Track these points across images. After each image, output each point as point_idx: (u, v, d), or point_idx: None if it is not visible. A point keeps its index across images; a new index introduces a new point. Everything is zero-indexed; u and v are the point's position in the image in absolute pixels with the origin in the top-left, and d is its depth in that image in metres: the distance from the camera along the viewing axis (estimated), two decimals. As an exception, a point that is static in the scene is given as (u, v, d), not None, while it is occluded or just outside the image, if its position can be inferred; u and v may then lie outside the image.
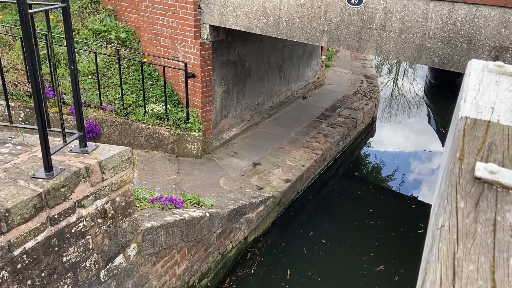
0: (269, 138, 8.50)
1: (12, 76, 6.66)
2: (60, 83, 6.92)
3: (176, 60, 7.20)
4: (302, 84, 11.17)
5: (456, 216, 0.67)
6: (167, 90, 7.55)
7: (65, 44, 7.12)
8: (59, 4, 2.87)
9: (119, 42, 8.07)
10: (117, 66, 7.59)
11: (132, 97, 7.16)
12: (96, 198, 3.16)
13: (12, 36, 7.12)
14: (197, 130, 7.14)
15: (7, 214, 2.55)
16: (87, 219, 3.12)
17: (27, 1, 2.65)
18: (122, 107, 6.88)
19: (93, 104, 6.80)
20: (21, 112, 6.49)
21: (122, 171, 3.36)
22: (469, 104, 1.17)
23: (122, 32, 8.06)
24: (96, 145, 3.38)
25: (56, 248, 2.91)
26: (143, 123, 6.89)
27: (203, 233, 4.87)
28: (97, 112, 6.76)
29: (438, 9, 4.42)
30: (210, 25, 6.76)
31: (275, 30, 5.85)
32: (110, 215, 3.33)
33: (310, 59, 11.21)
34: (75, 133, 3.24)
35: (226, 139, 8.08)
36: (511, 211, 0.72)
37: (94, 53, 6.84)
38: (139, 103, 7.09)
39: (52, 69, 3.11)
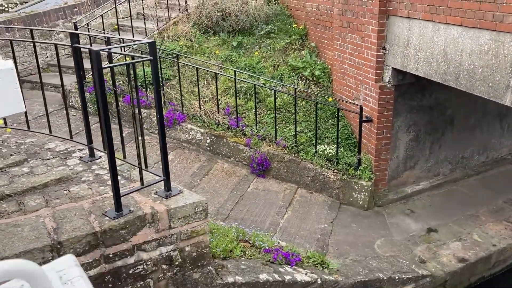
0: (464, 200, 7.10)
1: (208, 106, 7.49)
2: (244, 116, 7.41)
3: (354, 103, 6.78)
4: (539, 138, 8.95)
5: None
6: (346, 132, 7.19)
7: (233, 77, 7.51)
8: (147, 57, 3.04)
9: (314, 79, 8.13)
10: (303, 103, 7.66)
11: (307, 135, 7.08)
12: (160, 244, 3.20)
13: (214, 71, 8.00)
14: (366, 179, 6.54)
15: (59, 246, 2.82)
16: (148, 263, 3.19)
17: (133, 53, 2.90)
18: (294, 144, 6.88)
19: (268, 138, 7.02)
20: (207, 138, 7.22)
21: (194, 221, 3.32)
22: None
23: (317, 70, 8.09)
24: (180, 190, 3.44)
25: (110, 285, 3.06)
26: (311, 163, 6.72)
27: (316, 300, 4.38)
28: (271, 146, 6.94)
29: None
30: (392, 68, 6.12)
31: (454, 79, 4.85)
32: (177, 263, 3.33)
33: (555, 108, 8.90)
34: (160, 177, 3.38)
35: (407, 194, 7.13)
36: None
37: (273, 91, 7.07)
38: (312, 142, 6.96)
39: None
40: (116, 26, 9.64)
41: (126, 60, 3.49)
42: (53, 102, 8.29)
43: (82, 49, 3.72)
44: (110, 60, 3.46)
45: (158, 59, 7.71)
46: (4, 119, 4.80)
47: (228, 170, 6.88)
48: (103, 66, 2.78)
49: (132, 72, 3.09)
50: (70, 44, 3.72)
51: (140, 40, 3.06)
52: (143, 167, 3.49)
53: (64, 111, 8.33)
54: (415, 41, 5.50)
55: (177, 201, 3.29)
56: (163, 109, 7.51)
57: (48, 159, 4.15)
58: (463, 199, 7.16)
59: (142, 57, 3.18)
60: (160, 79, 7.72)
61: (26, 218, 3.08)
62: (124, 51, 7.48)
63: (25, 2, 14.35)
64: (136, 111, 3.26)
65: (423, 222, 6.47)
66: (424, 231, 6.27)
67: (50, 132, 4.47)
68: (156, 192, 3.42)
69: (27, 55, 9.55)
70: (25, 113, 4.57)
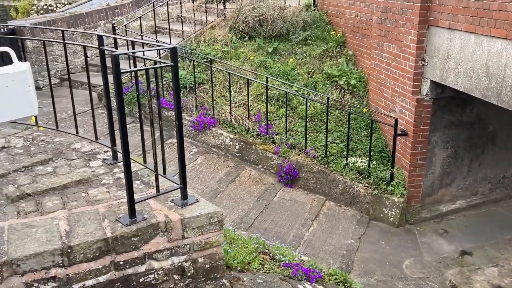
0: (504, 223, 6.69)
1: (239, 112, 7.41)
2: (275, 123, 7.28)
3: (390, 115, 6.53)
4: None
5: None
6: (380, 144, 6.95)
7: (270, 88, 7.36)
8: (168, 63, 2.97)
9: (349, 88, 7.91)
10: (336, 112, 7.46)
11: (339, 146, 6.88)
12: (172, 254, 3.13)
13: (246, 77, 7.92)
14: (398, 195, 6.27)
15: (69, 251, 2.80)
16: (160, 272, 3.12)
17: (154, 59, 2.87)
18: (324, 155, 6.70)
19: (298, 147, 6.87)
20: (236, 144, 7.14)
21: (209, 232, 3.23)
22: None
23: (353, 79, 7.87)
24: (196, 199, 3.36)
25: (120, 293, 3.01)
26: (341, 175, 6.52)
27: (336, 320, 4.21)
28: (300, 155, 6.79)
29: None
30: (431, 80, 5.85)
31: (496, 96, 4.56)
32: (189, 274, 3.24)
33: None
34: (177, 184, 3.31)
35: (442, 212, 6.80)
36: None
37: (305, 99, 6.91)
38: (344, 153, 6.75)
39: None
40: (156, 28, 9.77)
41: (149, 64, 3.47)
42: (89, 101, 8.44)
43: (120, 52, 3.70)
44: (135, 64, 3.44)
45: (192, 63, 7.74)
46: (36, 117, 4.89)
47: (255, 177, 6.77)
48: (122, 70, 2.73)
49: (151, 76, 3.04)
50: (97, 46, 3.73)
51: (162, 45, 3.01)
52: (162, 173, 3.44)
53: (99, 111, 8.52)
54: (455, 53, 5.22)
55: (192, 210, 3.21)
56: (195, 113, 7.52)
57: (72, 159, 4.17)
58: (502, 221, 6.75)
59: (164, 62, 3.12)
60: (194, 83, 7.72)
61: (41, 219, 3.08)
62: (159, 54, 7.53)
63: (73, 2, 14.85)
64: (154, 116, 3.21)
65: (457, 243, 6.14)
66: (458, 254, 5.94)
67: (77, 132, 4.51)
68: (173, 199, 3.35)
69: (69, 54, 9.81)
70: (54, 112, 4.65)
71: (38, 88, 9.43)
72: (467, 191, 7.16)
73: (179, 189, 3.31)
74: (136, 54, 3.34)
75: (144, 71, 3.07)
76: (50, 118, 6.85)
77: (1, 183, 3.65)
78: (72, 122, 7.49)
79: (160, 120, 3.30)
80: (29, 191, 3.43)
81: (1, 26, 9.47)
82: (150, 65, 3.34)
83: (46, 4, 15.64)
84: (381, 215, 6.35)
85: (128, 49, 7.79)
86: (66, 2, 15.55)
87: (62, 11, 12.53)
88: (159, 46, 3.07)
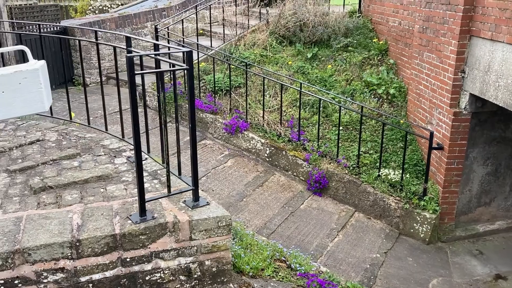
0: (547, 248, 6.27)
1: (272, 116, 7.39)
2: (307, 130, 7.20)
3: (427, 128, 6.29)
4: None
5: None
6: (415, 157, 6.71)
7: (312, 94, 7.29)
8: (184, 66, 3.01)
9: (388, 97, 7.70)
10: (372, 122, 7.29)
11: (372, 157, 6.70)
12: (179, 254, 3.16)
13: (280, 83, 7.88)
14: (431, 211, 6.02)
15: (77, 244, 2.89)
16: (166, 271, 3.16)
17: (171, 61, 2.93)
18: (355, 165, 6.55)
19: (329, 156, 6.76)
20: (267, 149, 7.12)
21: (216, 236, 3.23)
22: None
23: (392, 88, 7.65)
24: (207, 202, 3.38)
25: (126, 289, 3.08)
26: (372, 186, 6.34)
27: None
28: (331, 164, 6.67)
29: None
30: (470, 94, 5.58)
31: (536, 113, 4.28)
32: (196, 276, 3.26)
33: None
34: (189, 186, 3.35)
35: (478, 232, 6.46)
36: None
37: (339, 107, 6.79)
38: (376, 164, 6.57)
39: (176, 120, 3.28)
40: (201, 31, 9.96)
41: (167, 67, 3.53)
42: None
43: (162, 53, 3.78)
44: (157, 66, 3.52)
45: (229, 67, 7.81)
46: (70, 112, 5.10)
47: (284, 183, 6.72)
48: (136, 72, 2.80)
49: (161, 79, 3.09)
50: (125, 47, 3.85)
51: (178, 49, 3.06)
52: (177, 174, 3.50)
53: (138, 110, 8.77)
54: (496, 66, 4.96)
55: (201, 212, 3.23)
56: (228, 115, 7.58)
57: (99, 155, 4.31)
58: (546, 246, 6.33)
59: (180, 65, 3.17)
60: (229, 86, 7.79)
61: (57, 212, 3.20)
62: (198, 57, 7.66)
63: (127, 3, 15.43)
64: (163, 117, 3.26)
65: (492, 266, 5.81)
66: (491, 277, 5.62)
67: (106, 129, 4.66)
68: (185, 200, 3.39)
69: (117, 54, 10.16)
70: (87, 108, 4.83)
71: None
72: (509, 212, 6.77)
73: (192, 191, 3.34)
74: (159, 56, 3.41)
75: (156, 74, 3.12)
76: (91, 114, 7.12)
77: (29, 175, 3.83)
78: (113, 119, 7.77)
79: (177, 122, 3.35)
80: (51, 184, 3.58)
81: (54, 25, 9.97)
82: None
83: (101, 5, 16.35)
84: (411, 230, 6.12)
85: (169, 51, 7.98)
86: (120, 3, 16.19)
87: (115, 11, 13.03)
88: (177, 49, 3.13)
